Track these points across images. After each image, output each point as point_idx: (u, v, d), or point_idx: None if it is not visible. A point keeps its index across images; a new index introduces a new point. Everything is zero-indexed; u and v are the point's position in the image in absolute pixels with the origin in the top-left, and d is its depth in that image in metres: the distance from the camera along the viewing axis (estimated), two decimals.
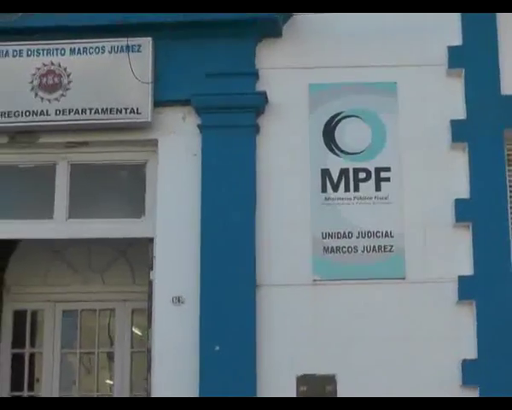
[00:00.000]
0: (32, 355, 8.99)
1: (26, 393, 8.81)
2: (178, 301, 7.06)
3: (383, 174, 7.20)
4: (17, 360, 8.83)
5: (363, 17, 7.15)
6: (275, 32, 7.34)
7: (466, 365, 6.79)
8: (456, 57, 7.28)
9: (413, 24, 7.28)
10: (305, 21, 7.35)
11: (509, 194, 7.12)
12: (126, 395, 8.62)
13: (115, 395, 8.70)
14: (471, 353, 6.83)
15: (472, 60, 7.26)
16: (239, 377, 6.85)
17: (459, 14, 7.30)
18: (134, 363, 8.77)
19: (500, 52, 7.25)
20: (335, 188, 7.20)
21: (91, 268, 9.09)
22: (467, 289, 6.90)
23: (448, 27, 7.32)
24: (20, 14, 7.24)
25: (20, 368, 8.86)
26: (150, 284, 7.25)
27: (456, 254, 7.03)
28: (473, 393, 6.74)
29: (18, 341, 8.87)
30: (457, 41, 7.31)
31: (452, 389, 6.79)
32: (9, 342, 8.79)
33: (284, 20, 7.30)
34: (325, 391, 6.88)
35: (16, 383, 8.78)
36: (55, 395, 8.67)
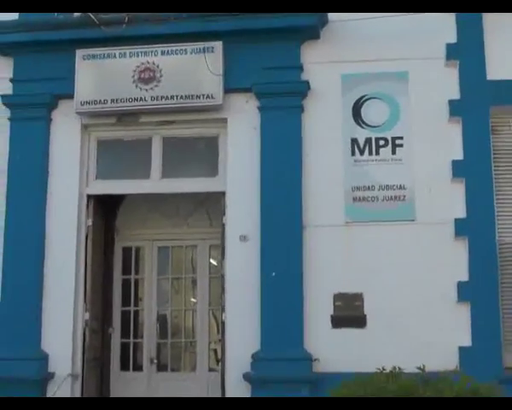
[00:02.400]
0: (136, 280, 9.26)
1: (132, 308, 9.12)
2: (244, 238, 7.45)
3: (398, 142, 7.50)
4: (125, 284, 9.16)
5: (382, 22, 7.35)
6: (315, 36, 7.73)
7: (460, 285, 7.17)
8: (452, 52, 7.55)
9: (420, 27, 7.49)
10: (338, 27, 7.62)
11: (492, 156, 7.42)
12: (206, 309, 9.01)
13: (198, 310, 9.07)
14: (464, 276, 7.18)
15: (465, 54, 7.50)
16: (290, 295, 7.27)
17: (455, 18, 7.55)
18: (211, 286, 8.97)
19: (486, 47, 7.47)
20: (362, 152, 7.53)
21: (179, 215, 9.25)
22: (461, 228, 7.25)
23: (446, 29, 7.58)
24: (124, 25, 7.68)
25: (128, 290, 9.17)
26: (223, 226, 7.65)
27: (453, 202, 7.32)
28: (465, 307, 7.10)
29: (126, 270, 9.18)
30: (453, 39, 7.58)
31: (450, 303, 7.14)
32: (120, 271, 9.12)
33: (321, 26, 7.70)
34: (354, 305, 7.25)
35: (125, 300, 9.11)
36: (154, 310, 9.09)
